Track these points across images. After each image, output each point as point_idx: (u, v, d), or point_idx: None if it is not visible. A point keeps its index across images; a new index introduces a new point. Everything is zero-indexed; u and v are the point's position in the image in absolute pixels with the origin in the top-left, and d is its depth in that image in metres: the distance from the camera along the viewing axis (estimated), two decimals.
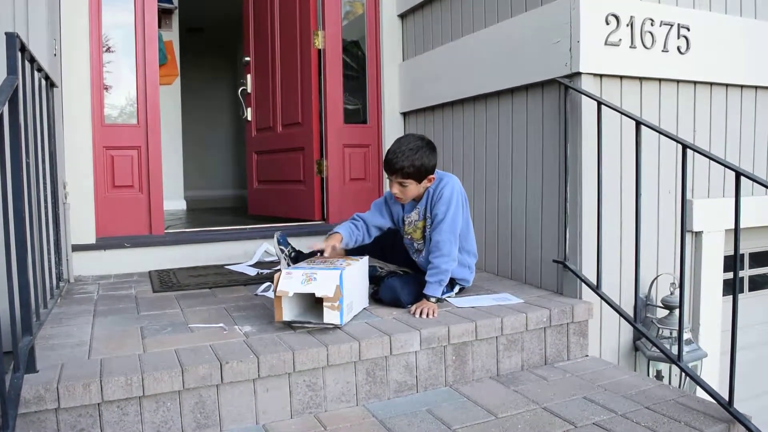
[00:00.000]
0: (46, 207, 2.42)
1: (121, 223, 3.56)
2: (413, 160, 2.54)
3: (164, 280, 3.13)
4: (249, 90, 4.77)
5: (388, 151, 2.62)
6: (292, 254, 2.98)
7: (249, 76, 4.76)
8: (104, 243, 3.39)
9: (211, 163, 8.71)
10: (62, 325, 2.33)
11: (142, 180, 3.62)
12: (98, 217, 3.42)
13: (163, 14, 5.86)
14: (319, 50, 4.04)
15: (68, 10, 3.24)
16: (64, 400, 1.71)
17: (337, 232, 2.67)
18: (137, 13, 3.57)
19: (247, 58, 4.78)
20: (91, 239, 3.36)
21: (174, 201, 6.08)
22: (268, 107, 4.56)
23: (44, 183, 2.41)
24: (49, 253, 2.49)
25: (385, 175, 2.72)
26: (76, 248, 3.24)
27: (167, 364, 1.87)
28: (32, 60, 2.16)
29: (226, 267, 3.49)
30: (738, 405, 2.00)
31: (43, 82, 2.53)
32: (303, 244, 3.33)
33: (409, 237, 2.80)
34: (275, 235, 3.06)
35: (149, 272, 3.38)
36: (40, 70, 2.36)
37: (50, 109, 2.69)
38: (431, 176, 2.63)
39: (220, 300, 2.73)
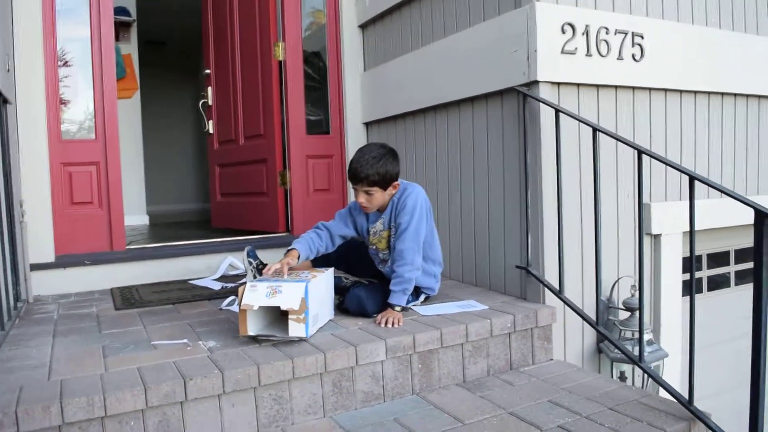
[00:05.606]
0: (0, 226, 2.37)
1: (81, 240, 3.48)
2: (377, 168, 2.55)
3: (126, 297, 3.08)
4: (210, 102, 4.73)
5: (352, 161, 2.63)
6: (260, 267, 2.96)
7: (210, 89, 4.72)
8: (64, 261, 3.32)
9: (174, 177, 8.63)
10: (21, 347, 2.27)
11: (101, 196, 3.55)
12: (57, 234, 3.34)
13: (121, 27, 5.79)
14: (280, 61, 4.03)
15: (21, 24, 3.17)
16: (23, 423, 1.66)
17: (293, 249, 2.61)
18: (93, 25, 3.50)
19: (208, 71, 4.74)
20: (50, 258, 3.28)
21: (136, 216, 5.99)
22: (229, 120, 4.53)
23: None
24: (5, 273, 2.43)
25: (350, 186, 2.71)
26: (35, 267, 3.17)
27: (130, 383, 1.84)
28: None
29: (190, 282, 3.45)
30: (698, 403, 2.04)
31: None
32: (269, 256, 3.29)
33: (375, 247, 2.81)
34: (246, 248, 3.02)
35: (111, 289, 3.32)
36: None
37: (4, 125, 2.63)
38: (396, 183, 2.64)
39: (183, 316, 2.70)
